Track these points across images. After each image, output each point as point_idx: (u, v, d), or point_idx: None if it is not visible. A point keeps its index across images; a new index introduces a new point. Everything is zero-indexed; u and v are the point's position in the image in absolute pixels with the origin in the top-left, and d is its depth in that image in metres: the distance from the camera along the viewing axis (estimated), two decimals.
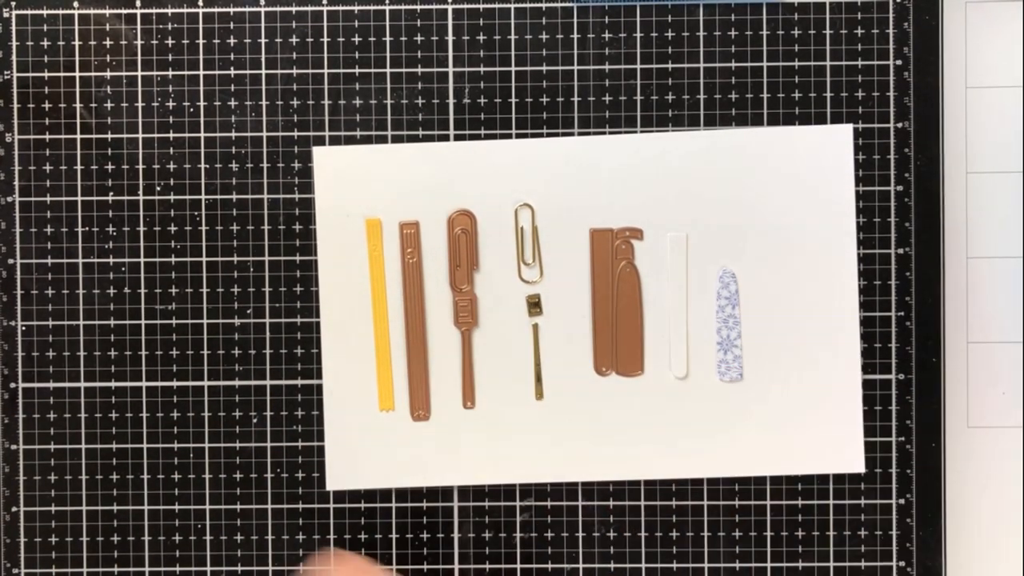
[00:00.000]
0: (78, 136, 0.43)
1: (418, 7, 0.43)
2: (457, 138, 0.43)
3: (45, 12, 0.43)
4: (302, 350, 0.43)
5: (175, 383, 0.43)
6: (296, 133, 0.43)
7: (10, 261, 0.43)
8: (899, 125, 0.43)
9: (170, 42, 0.43)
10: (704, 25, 0.43)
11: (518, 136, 0.43)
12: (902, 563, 0.43)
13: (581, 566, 0.43)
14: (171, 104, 0.43)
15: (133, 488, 0.43)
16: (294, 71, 0.43)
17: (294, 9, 0.43)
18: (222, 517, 0.43)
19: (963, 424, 0.44)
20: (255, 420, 0.43)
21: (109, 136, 0.43)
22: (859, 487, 0.43)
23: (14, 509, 0.43)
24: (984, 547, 0.44)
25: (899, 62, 0.43)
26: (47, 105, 0.43)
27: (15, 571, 0.43)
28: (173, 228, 0.43)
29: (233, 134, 0.43)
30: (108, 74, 0.43)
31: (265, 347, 0.43)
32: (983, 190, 0.43)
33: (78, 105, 0.43)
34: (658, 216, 0.42)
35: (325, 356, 0.43)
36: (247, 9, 0.43)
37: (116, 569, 0.43)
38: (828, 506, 0.43)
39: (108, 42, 0.43)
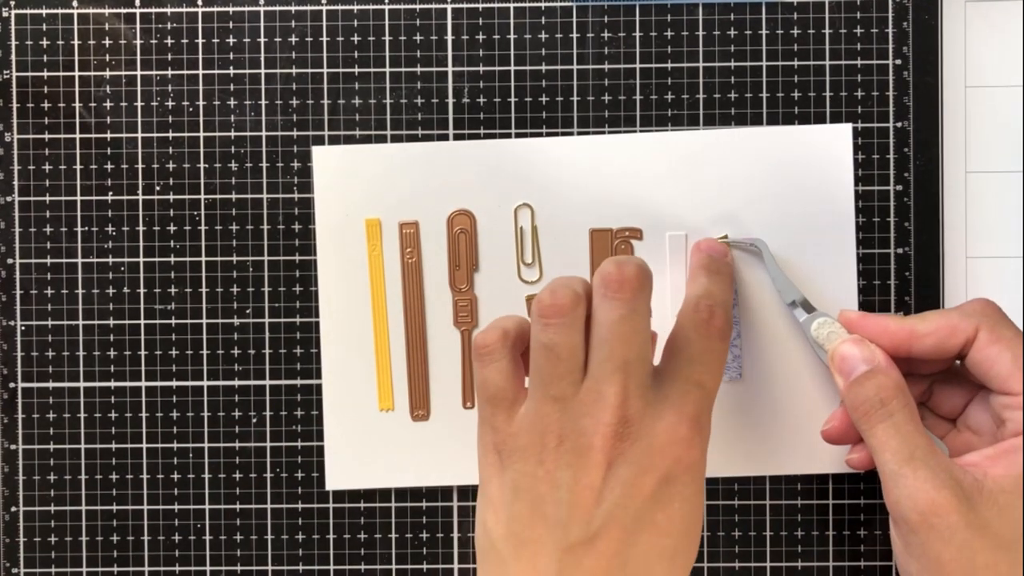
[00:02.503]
0: (77, 136, 0.43)
1: (418, 7, 0.43)
2: (457, 138, 0.43)
3: (45, 12, 0.43)
4: (302, 350, 0.43)
5: (175, 383, 0.43)
6: (295, 133, 0.43)
7: (9, 261, 0.43)
8: (898, 125, 0.43)
9: (170, 42, 0.43)
10: (704, 25, 0.43)
11: (518, 136, 0.43)
12: None
13: None
14: (171, 104, 0.43)
15: (133, 488, 0.43)
16: (293, 71, 0.43)
17: (293, 9, 0.43)
18: (222, 517, 0.43)
19: None
20: (255, 420, 0.43)
21: (108, 136, 0.43)
22: (859, 487, 0.43)
23: (14, 509, 0.43)
24: None
25: (898, 61, 0.43)
26: (47, 105, 0.43)
27: (15, 571, 0.43)
28: (173, 228, 0.43)
29: (233, 134, 0.43)
30: (108, 74, 0.43)
31: (265, 347, 0.43)
32: (983, 190, 0.43)
33: (78, 105, 0.43)
34: (658, 216, 0.42)
35: (325, 356, 0.43)
36: (246, 9, 0.43)
37: (116, 569, 0.43)
38: (828, 506, 0.43)
39: (108, 42, 0.43)
